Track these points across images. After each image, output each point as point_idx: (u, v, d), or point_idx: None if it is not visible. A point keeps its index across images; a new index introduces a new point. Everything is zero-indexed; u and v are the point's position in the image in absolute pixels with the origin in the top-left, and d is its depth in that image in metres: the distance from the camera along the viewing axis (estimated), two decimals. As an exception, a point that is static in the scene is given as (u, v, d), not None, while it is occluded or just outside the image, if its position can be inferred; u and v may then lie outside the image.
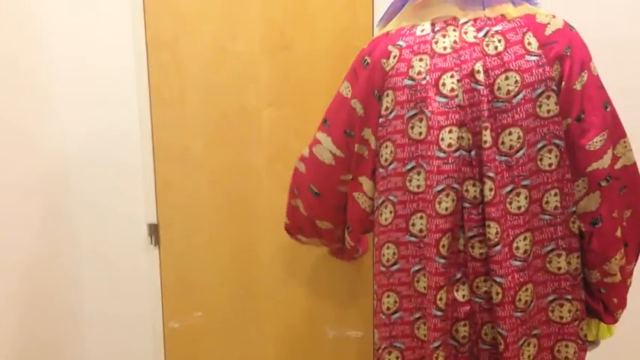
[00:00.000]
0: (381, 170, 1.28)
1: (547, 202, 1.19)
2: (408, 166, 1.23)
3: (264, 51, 1.76)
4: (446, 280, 1.20)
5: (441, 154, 1.18)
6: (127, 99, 1.75)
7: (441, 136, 1.18)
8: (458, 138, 1.18)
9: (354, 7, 1.74)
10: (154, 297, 1.84)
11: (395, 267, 1.27)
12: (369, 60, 1.28)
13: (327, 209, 1.44)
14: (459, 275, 1.21)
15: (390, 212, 1.26)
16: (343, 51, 1.76)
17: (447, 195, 1.18)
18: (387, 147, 1.26)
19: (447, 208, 1.18)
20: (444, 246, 1.19)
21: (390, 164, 1.26)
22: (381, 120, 1.27)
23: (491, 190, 1.16)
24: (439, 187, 1.18)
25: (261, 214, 1.82)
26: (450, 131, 1.17)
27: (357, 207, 1.36)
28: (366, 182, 1.33)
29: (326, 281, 1.86)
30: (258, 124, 1.79)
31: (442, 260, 1.19)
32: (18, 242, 1.51)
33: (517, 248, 1.17)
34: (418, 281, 1.24)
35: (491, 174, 1.16)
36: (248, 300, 1.86)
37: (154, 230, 1.80)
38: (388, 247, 1.27)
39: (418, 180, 1.22)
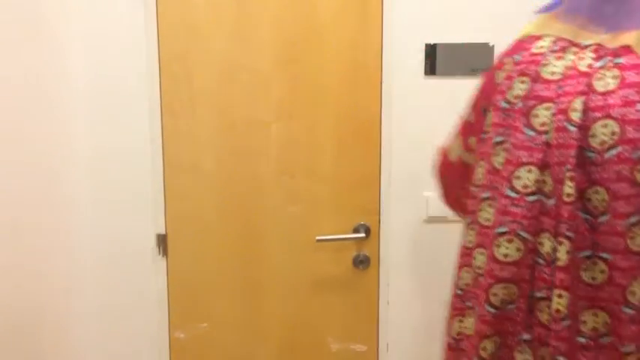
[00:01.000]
0: (473, 189, 1.16)
1: (633, 293, 0.96)
2: (484, 195, 1.10)
3: (274, 65, 1.78)
4: (494, 331, 1.05)
5: (512, 194, 1.02)
6: (138, 110, 1.77)
7: (516, 174, 1.02)
8: (536, 180, 1.00)
9: (364, 23, 1.76)
10: (160, 307, 1.85)
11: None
12: (493, 65, 1.15)
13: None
14: (525, 336, 1.03)
15: (474, 236, 1.15)
16: (352, 66, 1.78)
17: (510, 241, 1.02)
18: (481, 167, 1.14)
19: (506, 255, 1.02)
20: (495, 295, 1.03)
21: (478, 186, 1.14)
22: (483, 136, 1.15)
23: (568, 252, 0.96)
24: (500, 229, 1.03)
25: (269, 226, 1.83)
26: (529, 171, 1.00)
27: None
28: None
29: (331, 294, 1.86)
30: (267, 137, 1.80)
31: (492, 309, 1.04)
32: (22, 251, 1.52)
33: (584, 322, 0.98)
34: (463, 319, 1.12)
35: (570, 234, 0.96)
36: (253, 312, 1.87)
37: (162, 240, 1.82)
38: (467, 272, 1.16)
39: (488, 213, 1.08)
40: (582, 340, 0.98)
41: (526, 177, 1.01)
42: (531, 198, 1.00)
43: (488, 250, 1.05)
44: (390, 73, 1.76)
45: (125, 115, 1.77)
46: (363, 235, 1.82)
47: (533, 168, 1.00)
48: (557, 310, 0.97)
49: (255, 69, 1.77)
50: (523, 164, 1.01)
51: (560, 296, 0.97)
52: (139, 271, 1.83)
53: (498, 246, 1.03)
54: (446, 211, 1.80)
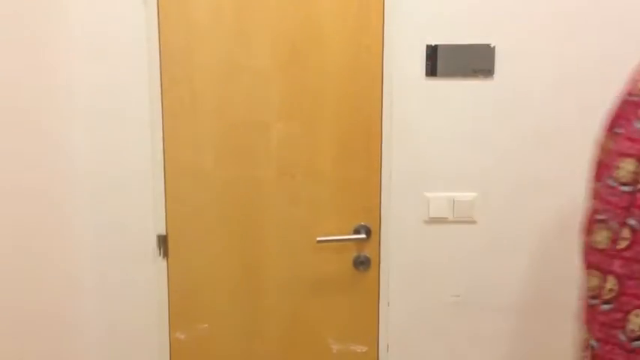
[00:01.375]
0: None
1: None
2: (596, 185, 1.12)
3: (275, 66, 1.77)
4: (583, 320, 1.05)
5: (611, 183, 1.03)
6: (139, 110, 1.76)
7: (617, 164, 1.04)
8: (633, 172, 1.01)
9: (366, 24, 1.76)
10: (160, 307, 1.84)
11: None
12: None
13: None
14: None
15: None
16: (353, 67, 1.78)
17: (602, 230, 1.04)
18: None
19: (597, 242, 1.04)
20: (585, 277, 1.05)
21: (597, 178, 1.15)
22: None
23: (625, 239, 0.97)
24: (598, 216, 1.04)
25: (269, 227, 1.83)
26: (629, 162, 1.02)
27: None
28: None
29: (332, 295, 1.86)
30: (268, 138, 1.80)
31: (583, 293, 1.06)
32: (22, 251, 1.52)
33: (629, 321, 0.98)
34: None
35: (632, 222, 0.97)
36: (254, 313, 1.87)
37: (162, 241, 1.82)
38: None
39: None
40: (623, 338, 0.98)
41: (625, 168, 1.02)
42: (625, 188, 1.01)
43: (588, 236, 1.07)
44: (390, 75, 1.76)
45: (125, 116, 1.77)
46: (363, 236, 1.81)
47: (632, 160, 1.01)
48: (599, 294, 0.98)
49: (255, 69, 1.77)
50: (625, 155, 1.02)
51: (605, 280, 0.98)
52: (139, 272, 1.82)
53: (593, 232, 1.05)
54: (447, 212, 1.81)
